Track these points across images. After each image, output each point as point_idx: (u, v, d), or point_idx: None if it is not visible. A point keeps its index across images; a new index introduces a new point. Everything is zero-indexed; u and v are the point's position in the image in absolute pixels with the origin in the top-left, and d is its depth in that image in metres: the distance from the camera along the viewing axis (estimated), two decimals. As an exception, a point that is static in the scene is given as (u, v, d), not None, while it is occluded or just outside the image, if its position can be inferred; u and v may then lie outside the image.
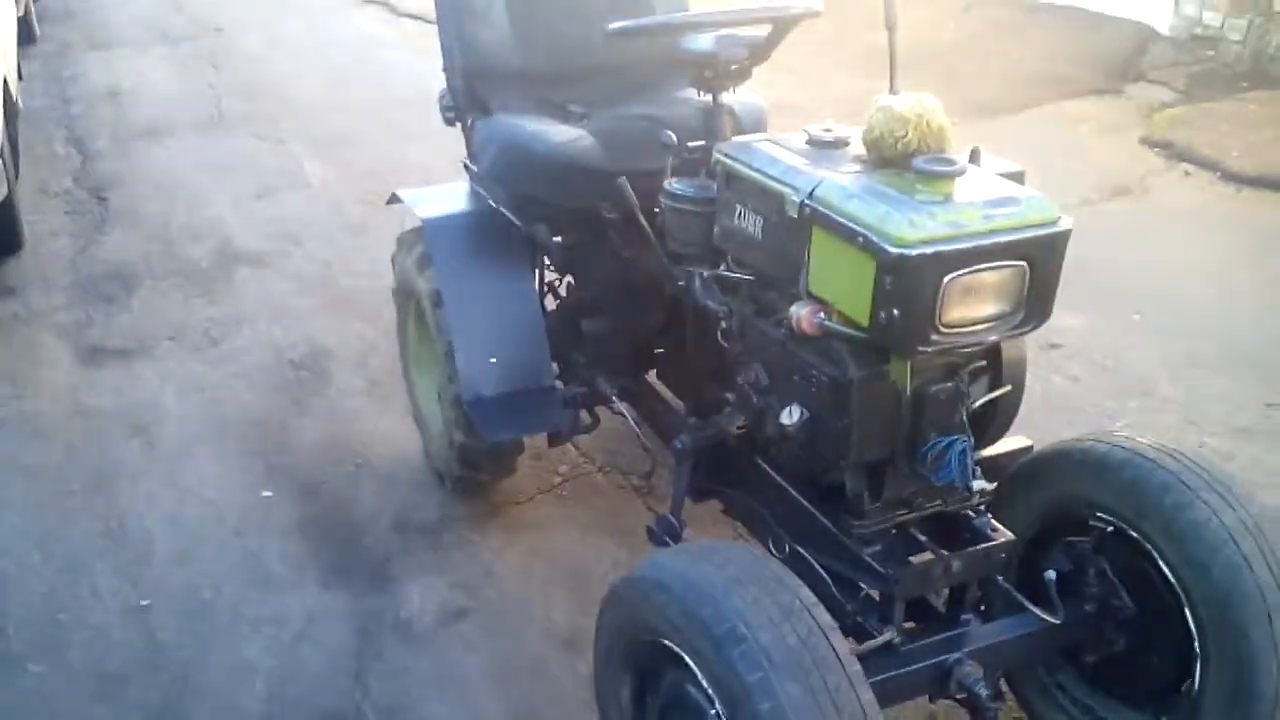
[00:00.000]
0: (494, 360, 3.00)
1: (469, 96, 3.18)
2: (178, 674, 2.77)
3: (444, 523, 3.32)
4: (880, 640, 2.11)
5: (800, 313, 2.08)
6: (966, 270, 1.88)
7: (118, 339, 4.54)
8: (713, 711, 1.83)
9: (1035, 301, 1.98)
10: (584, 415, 3.11)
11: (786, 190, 2.09)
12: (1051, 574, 2.28)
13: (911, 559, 2.14)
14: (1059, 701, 2.41)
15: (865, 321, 1.95)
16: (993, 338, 2.00)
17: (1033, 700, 2.46)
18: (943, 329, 1.91)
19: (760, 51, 2.51)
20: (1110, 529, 2.23)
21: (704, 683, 1.82)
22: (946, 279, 1.87)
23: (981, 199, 1.93)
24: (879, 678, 2.11)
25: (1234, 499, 2.08)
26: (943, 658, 2.13)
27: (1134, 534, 2.16)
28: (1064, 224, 1.96)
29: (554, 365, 3.10)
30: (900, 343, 1.94)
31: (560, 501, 3.43)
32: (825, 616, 1.81)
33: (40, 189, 6.28)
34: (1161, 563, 2.11)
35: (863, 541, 2.17)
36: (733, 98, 2.63)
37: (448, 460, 3.28)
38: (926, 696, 2.25)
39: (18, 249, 5.30)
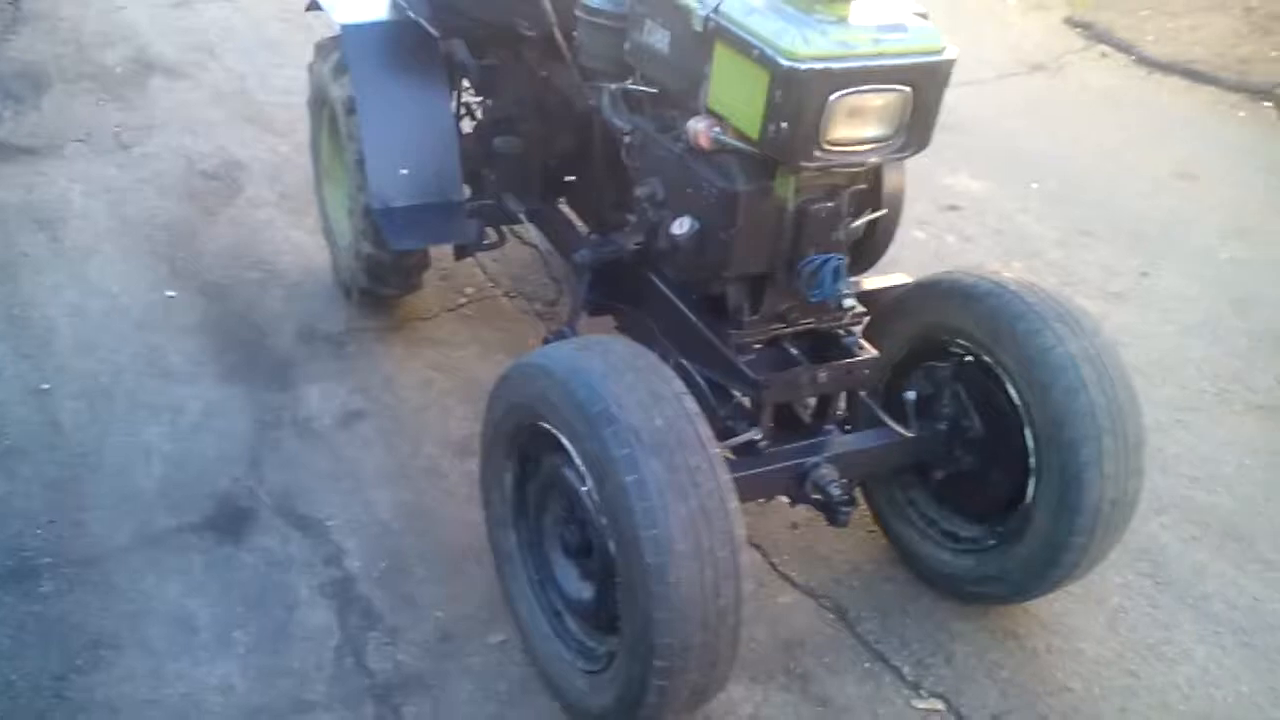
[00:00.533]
0: (405, 171, 3.03)
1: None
2: (76, 452, 2.85)
3: (348, 334, 3.40)
4: (744, 437, 2.27)
5: (698, 127, 2.17)
6: (852, 90, 1.97)
7: (26, 136, 4.45)
8: (584, 489, 1.98)
9: (916, 127, 2.08)
10: (492, 234, 3.19)
11: (694, 4, 2.15)
12: (911, 394, 2.46)
13: (781, 369, 2.28)
14: (907, 515, 2.61)
15: (756, 134, 2.04)
16: (874, 159, 2.10)
17: (885, 513, 2.66)
18: (826, 146, 2.02)
19: None
20: (969, 356, 2.40)
21: (578, 461, 1.96)
22: (833, 96, 1.96)
23: (874, 23, 2.02)
24: (742, 473, 2.29)
25: (1081, 329, 2.25)
26: (802, 461, 2.29)
27: (988, 359, 2.33)
28: (948, 54, 2.05)
29: (467, 188, 3.15)
30: (786, 156, 2.03)
31: (464, 320, 3.52)
32: (692, 404, 1.95)
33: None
34: (1009, 386, 2.29)
35: (739, 351, 2.30)
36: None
37: (354, 272, 3.34)
38: (792, 512, 2.43)
39: (-80, 44, 5.12)
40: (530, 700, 2.27)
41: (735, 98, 2.08)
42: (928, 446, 2.44)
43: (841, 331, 2.37)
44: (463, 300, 3.60)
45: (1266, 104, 5.21)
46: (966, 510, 2.52)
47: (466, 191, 3.17)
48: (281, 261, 3.73)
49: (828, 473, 2.27)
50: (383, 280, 3.32)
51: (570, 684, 2.17)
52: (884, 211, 2.28)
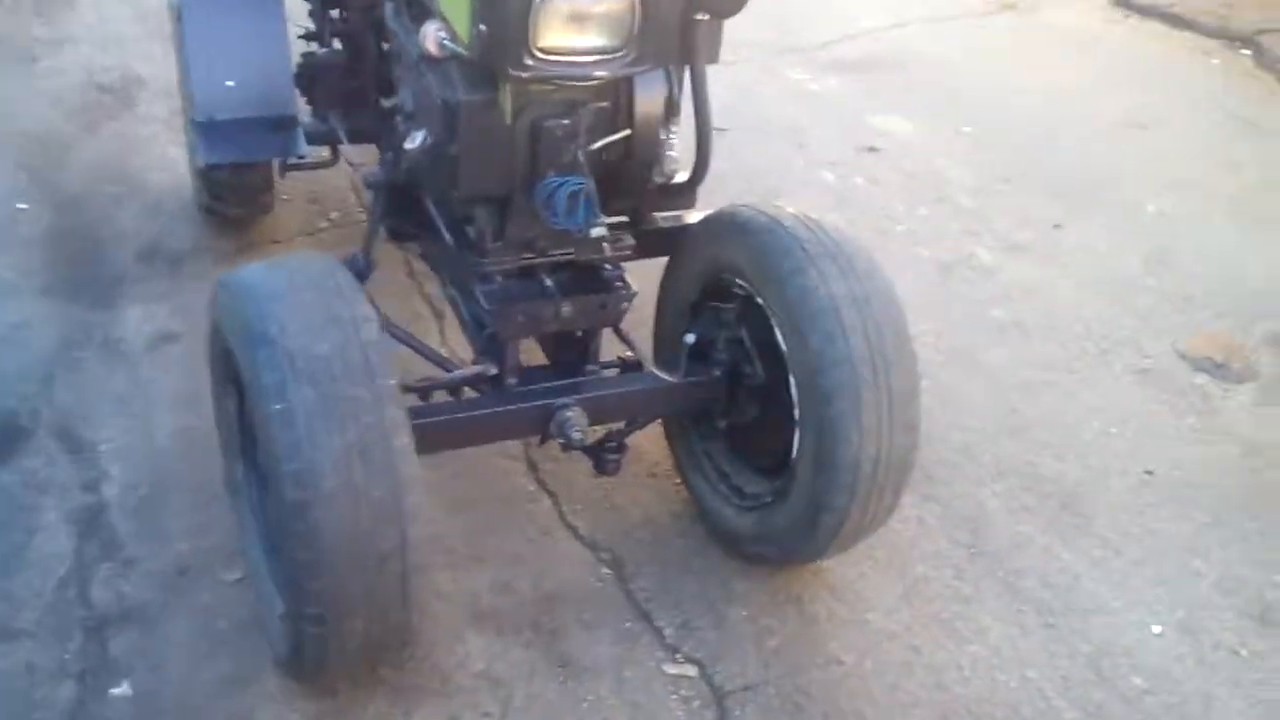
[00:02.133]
0: (230, 83, 2.88)
1: None
2: None
3: (192, 254, 3.26)
4: (469, 371, 2.10)
5: (427, 30, 1.98)
6: None
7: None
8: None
9: (650, 39, 1.87)
10: (325, 153, 3.03)
11: None
12: (690, 337, 2.27)
13: (525, 301, 2.10)
14: (701, 466, 2.41)
15: (466, 39, 1.85)
16: (601, 73, 1.89)
17: (683, 463, 2.47)
18: (539, 54, 1.81)
19: None
20: (751, 298, 2.19)
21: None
22: None
23: None
24: (479, 411, 2.12)
25: (852, 270, 2.03)
26: (549, 402, 2.11)
27: (759, 300, 2.12)
28: None
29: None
30: (493, 62, 1.83)
31: (320, 246, 3.35)
32: (371, 331, 1.78)
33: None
34: (776, 330, 2.08)
35: (481, 280, 2.12)
36: None
37: (196, 189, 3.21)
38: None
39: None
40: (245, 641, 2.12)
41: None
42: (701, 394, 2.25)
43: (608, 266, 2.17)
44: (324, 225, 3.45)
45: (1245, 52, 4.82)
46: (754, 465, 2.33)
47: (306, 109, 3.02)
48: (149, 178, 3.60)
49: (574, 416, 2.09)
50: (222, 199, 3.18)
51: (269, 628, 2.03)
52: (626, 133, 2.05)
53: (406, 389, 2.07)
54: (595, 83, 1.94)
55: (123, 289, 3.10)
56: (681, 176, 2.32)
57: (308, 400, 1.67)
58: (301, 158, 2.92)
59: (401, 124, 2.21)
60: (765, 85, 4.50)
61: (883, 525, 2.17)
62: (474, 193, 2.04)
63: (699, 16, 1.97)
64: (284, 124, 2.89)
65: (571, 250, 2.14)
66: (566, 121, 1.96)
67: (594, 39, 1.84)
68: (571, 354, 2.27)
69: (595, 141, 2.01)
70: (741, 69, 4.57)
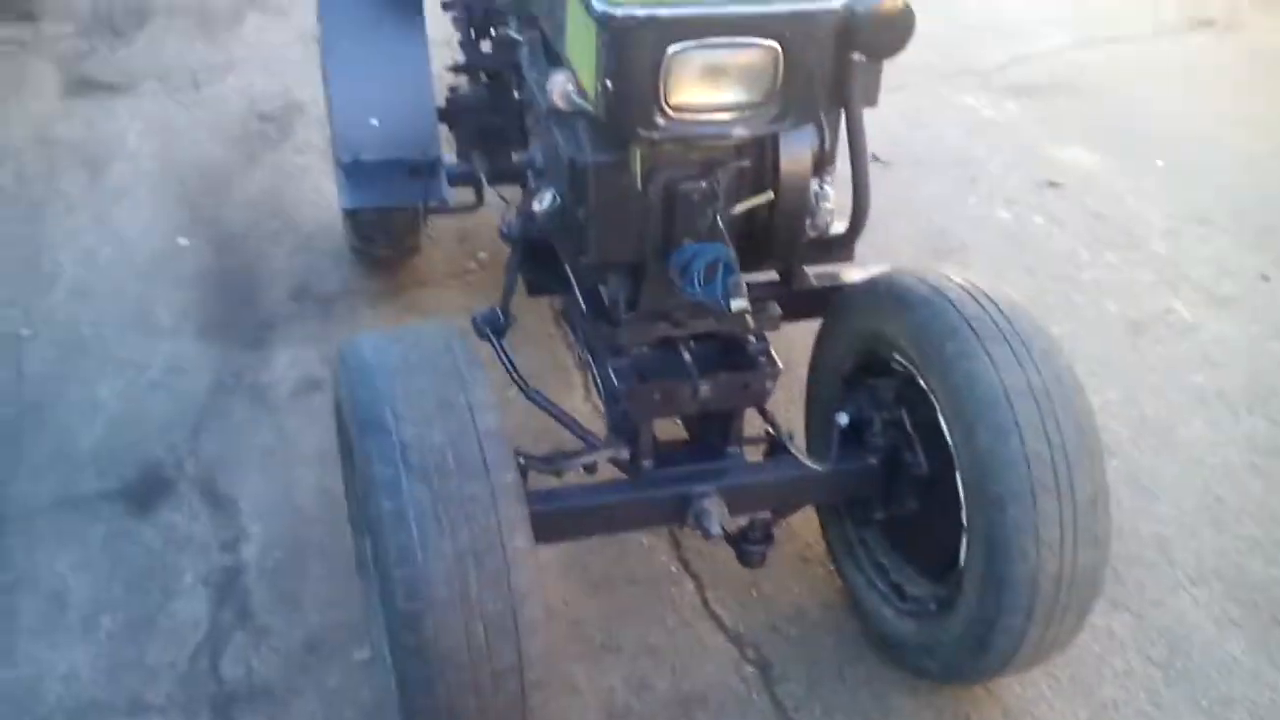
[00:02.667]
0: (375, 122, 2.83)
1: None
2: (31, 404, 2.79)
3: (343, 295, 3.23)
4: (600, 454, 1.95)
5: (556, 80, 1.83)
6: (696, 44, 1.60)
7: (111, 73, 4.50)
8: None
9: (792, 93, 1.68)
10: (469, 195, 2.94)
11: None
12: (843, 418, 2.08)
13: (661, 377, 1.94)
14: (857, 556, 2.22)
15: (591, 95, 1.70)
16: (740, 131, 1.71)
17: (836, 549, 2.29)
18: (671, 112, 1.65)
19: None
20: (908, 373, 1.98)
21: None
22: (671, 51, 1.59)
23: None
24: (610, 500, 1.99)
25: (1028, 354, 1.81)
26: (685, 489, 1.96)
27: (921, 382, 1.92)
28: (833, 3, 1.65)
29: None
30: (621, 122, 1.67)
31: (467, 290, 3.28)
32: (490, 419, 1.65)
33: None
34: (940, 418, 1.87)
35: (613, 353, 1.97)
36: None
37: (346, 229, 3.18)
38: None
39: (44, -25, 5.25)
40: (371, 731, 2.05)
41: (579, 49, 1.74)
42: (855, 483, 2.05)
43: (753, 338, 2.00)
44: (472, 266, 3.38)
45: None
46: (916, 563, 2.12)
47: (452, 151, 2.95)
48: (303, 213, 3.60)
49: (712, 507, 1.93)
50: (370, 240, 3.15)
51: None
52: (768, 196, 1.86)
53: (534, 467, 1.96)
54: (734, 142, 1.77)
55: (274, 331, 3.08)
56: (839, 227, 2.13)
57: (421, 499, 1.56)
58: (444, 203, 2.84)
59: (532, 180, 2.09)
60: (935, 113, 4.24)
61: (1065, 648, 1.94)
62: (604, 260, 1.89)
63: (855, 57, 1.77)
64: (427, 167, 2.82)
65: (712, 322, 1.98)
66: (703, 184, 1.79)
67: (732, 94, 1.67)
68: (713, 430, 2.11)
69: (736, 205, 1.84)
70: (909, 95, 4.33)
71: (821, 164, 1.99)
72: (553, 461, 1.99)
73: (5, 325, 3.05)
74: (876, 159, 3.89)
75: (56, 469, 2.60)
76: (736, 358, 1.99)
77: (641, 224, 1.82)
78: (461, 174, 2.88)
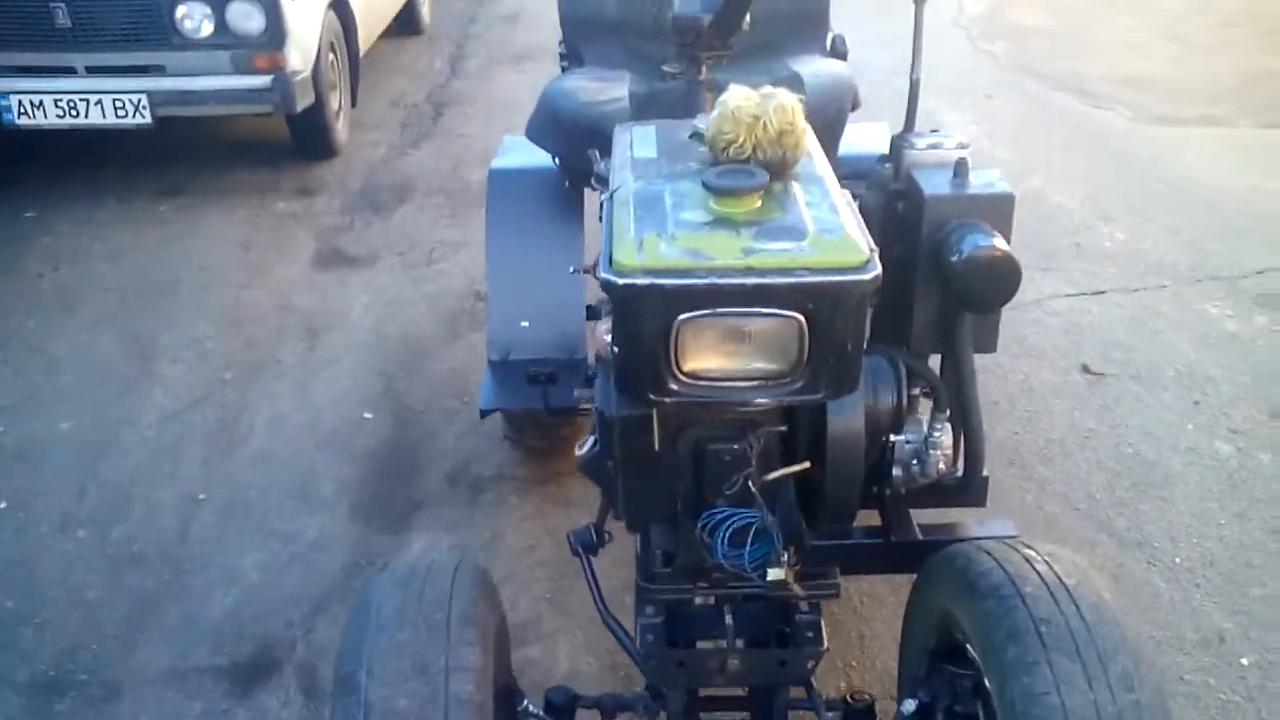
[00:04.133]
0: (525, 324, 2.89)
1: (568, 45, 3.05)
2: (180, 569, 2.96)
3: (495, 480, 3.26)
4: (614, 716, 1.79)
5: (600, 329, 1.79)
6: (709, 312, 1.50)
7: (359, 247, 4.88)
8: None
9: (822, 362, 1.53)
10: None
11: (609, 185, 1.79)
12: (910, 705, 1.82)
13: (690, 644, 1.78)
14: None
15: (608, 355, 1.63)
16: (762, 400, 1.58)
17: None
18: (684, 378, 1.55)
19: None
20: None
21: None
22: (680, 319, 1.50)
23: (756, 227, 1.53)
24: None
25: (1103, 671, 1.51)
26: None
27: (984, 682, 1.65)
28: (865, 273, 1.49)
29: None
30: (632, 386, 1.59)
31: (617, 481, 3.23)
32: (463, 687, 1.55)
33: (395, 101, 6.87)
34: (1000, 733, 1.59)
35: (646, 606, 1.83)
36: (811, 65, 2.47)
37: (501, 417, 3.23)
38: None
39: (331, 155, 5.83)
40: None
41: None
42: (909, 786, 1.78)
43: (804, 606, 1.80)
44: (627, 459, 3.32)
45: None
46: None
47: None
48: (476, 397, 3.70)
49: None
50: (521, 430, 3.18)
51: None
52: (805, 465, 1.68)
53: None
54: (760, 409, 1.63)
55: (420, 512, 3.14)
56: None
57: (385, 771, 1.48)
58: (569, 408, 2.82)
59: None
60: (1170, 320, 3.83)
61: None
62: (634, 515, 1.78)
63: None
64: (574, 368, 2.82)
65: (748, 584, 1.80)
66: (735, 446, 1.66)
67: (751, 363, 1.54)
68: (759, 700, 1.91)
69: (770, 471, 1.68)
70: (1144, 299, 3.95)
71: (899, 417, 1.85)
72: (562, 713, 1.86)
73: (186, 487, 3.29)
74: (1088, 371, 3.56)
75: (180, 638, 2.73)
76: (778, 626, 1.80)
77: (671, 482, 1.72)
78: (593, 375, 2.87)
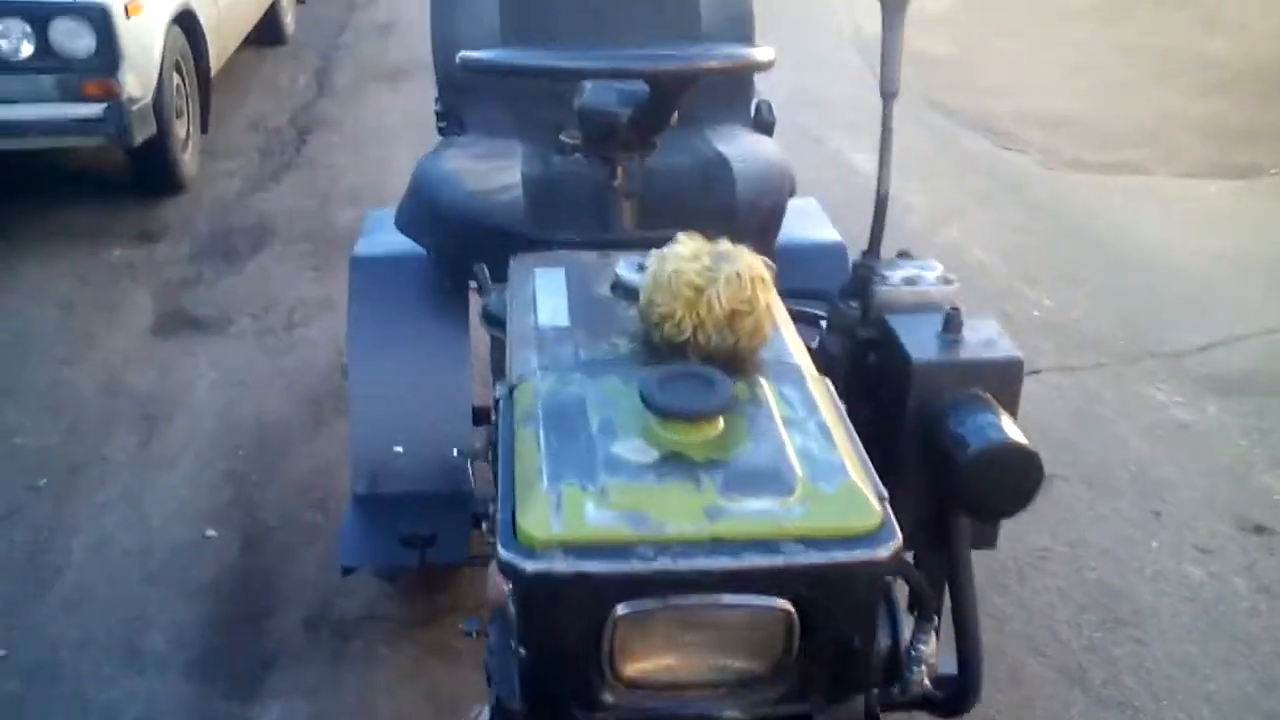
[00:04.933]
0: (399, 449, 2.39)
1: (445, 105, 2.55)
2: (-31, 757, 2.38)
3: (364, 624, 2.73)
4: None
5: (491, 567, 1.30)
6: (658, 604, 1.05)
7: (208, 306, 4.27)
8: None
9: (817, 662, 1.10)
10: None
11: (509, 369, 1.33)
12: None
13: None
14: None
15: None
16: (733, 714, 1.13)
17: None
18: (623, 687, 1.09)
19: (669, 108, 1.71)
20: None
21: None
22: (618, 612, 1.04)
23: (721, 470, 1.08)
24: None
25: None
26: None
27: None
28: (880, 546, 1.06)
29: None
30: (547, 699, 1.12)
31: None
32: None
33: (253, 124, 6.25)
34: None
35: None
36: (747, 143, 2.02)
37: (372, 550, 2.71)
38: None
39: (178, 190, 5.18)
40: None
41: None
42: None
43: None
44: (522, 592, 2.82)
45: None
46: None
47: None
48: (342, 506, 3.16)
49: None
50: (393, 576, 2.66)
51: None
52: None
53: None
54: None
55: (271, 671, 2.59)
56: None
57: None
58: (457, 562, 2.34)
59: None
60: (1114, 407, 3.51)
61: None
62: None
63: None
64: (460, 504, 2.34)
65: None
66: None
67: (716, 660, 1.11)
68: None
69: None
70: (1083, 380, 3.64)
71: (896, 666, 1.44)
72: None
73: (-19, 642, 2.69)
74: (1035, 472, 3.19)
75: None
76: None
77: None
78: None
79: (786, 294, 1.93)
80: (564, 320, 1.35)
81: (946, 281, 1.65)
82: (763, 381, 1.22)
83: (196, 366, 3.85)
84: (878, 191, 1.69)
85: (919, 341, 1.51)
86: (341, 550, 2.33)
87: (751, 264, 1.21)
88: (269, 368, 3.85)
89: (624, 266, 1.44)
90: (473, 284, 2.39)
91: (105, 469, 3.29)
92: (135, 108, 4.53)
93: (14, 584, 2.85)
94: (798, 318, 1.93)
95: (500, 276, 2.47)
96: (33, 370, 3.77)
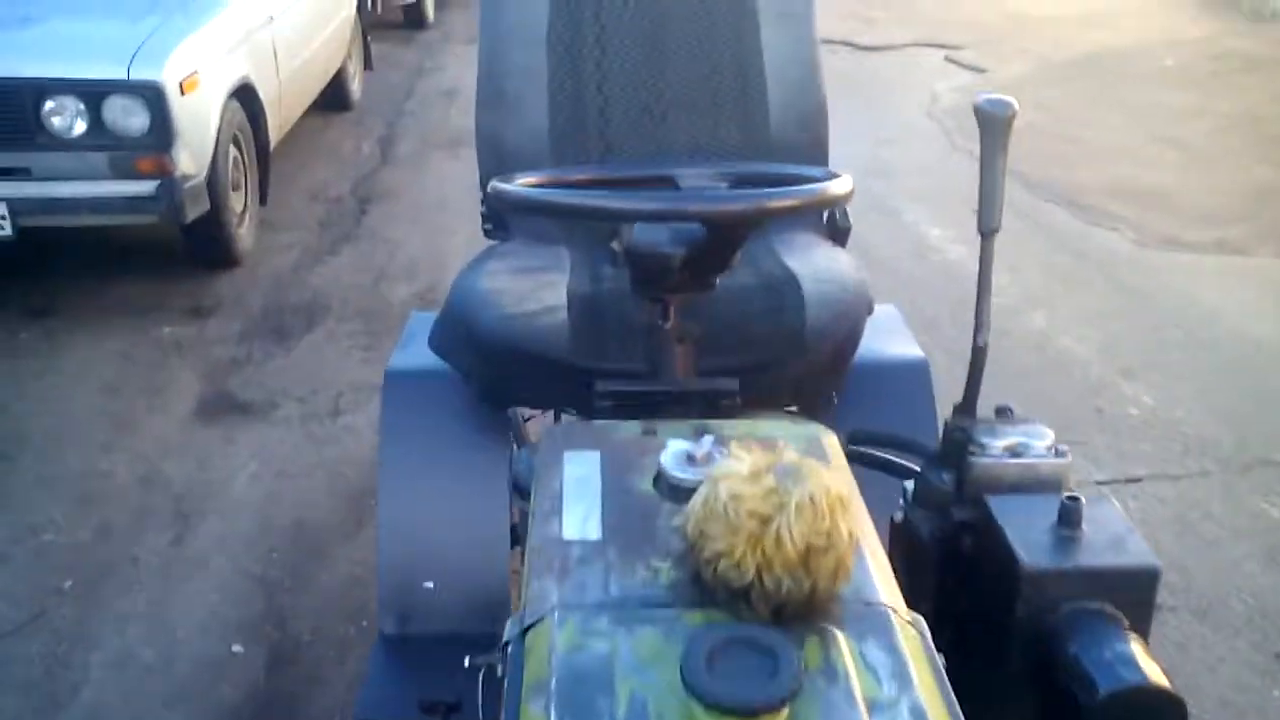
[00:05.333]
0: (429, 584, 2.17)
1: (490, 209, 2.35)
2: None
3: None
4: None
5: None
6: None
7: (253, 389, 4.12)
8: None
9: None
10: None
11: (524, 592, 1.09)
12: None
13: None
14: None
15: None
16: None
17: None
18: None
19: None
20: None
21: None
22: None
23: None
24: None
25: None
26: None
27: None
28: None
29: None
30: None
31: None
32: None
33: (314, 194, 6.16)
34: None
35: None
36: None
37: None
38: None
39: (232, 265, 5.07)
40: None
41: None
42: None
43: None
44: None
45: None
46: None
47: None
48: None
49: None
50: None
51: None
52: None
53: None
54: None
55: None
56: None
57: None
58: None
59: None
60: (1224, 525, 3.18)
61: None
62: None
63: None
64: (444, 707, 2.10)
65: None
66: None
67: None
68: None
69: None
70: (1188, 491, 3.31)
71: None
72: None
73: (-17, 772, 2.50)
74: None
75: None
76: None
77: None
78: None
79: (866, 440, 1.69)
80: (595, 532, 1.11)
81: (1058, 453, 1.39)
82: (840, 640, 0.96)
83: (237, 457, 3.68)
84: (974, 342, 1.44)
85: (1029, 538, 1.25)
86: (360, 701, 2.10)
87: (828, 483, 0.97)
88: (311, 458, 3.67)
89: (671, 457, 1.19)
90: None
91: (134, 572, 3.11)
92: (189, 185, 4.43)
93: (27, 699, 2.66)
94: (881, 465, 1.68)
95: (542, 402, 2.25)
96: (71, 458, 3.63)
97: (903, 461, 1.63)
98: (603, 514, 1.13)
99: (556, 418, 2.14)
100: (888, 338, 2.32)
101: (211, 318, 4.67)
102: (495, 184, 1.50)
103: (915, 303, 4.45)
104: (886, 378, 2.16)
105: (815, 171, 1.61)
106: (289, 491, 3.49)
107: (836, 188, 1.43)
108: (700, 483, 1.08)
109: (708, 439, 1.16)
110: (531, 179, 1.61)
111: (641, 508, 1.13)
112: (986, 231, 1.44)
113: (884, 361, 2.19)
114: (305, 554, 3.20)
